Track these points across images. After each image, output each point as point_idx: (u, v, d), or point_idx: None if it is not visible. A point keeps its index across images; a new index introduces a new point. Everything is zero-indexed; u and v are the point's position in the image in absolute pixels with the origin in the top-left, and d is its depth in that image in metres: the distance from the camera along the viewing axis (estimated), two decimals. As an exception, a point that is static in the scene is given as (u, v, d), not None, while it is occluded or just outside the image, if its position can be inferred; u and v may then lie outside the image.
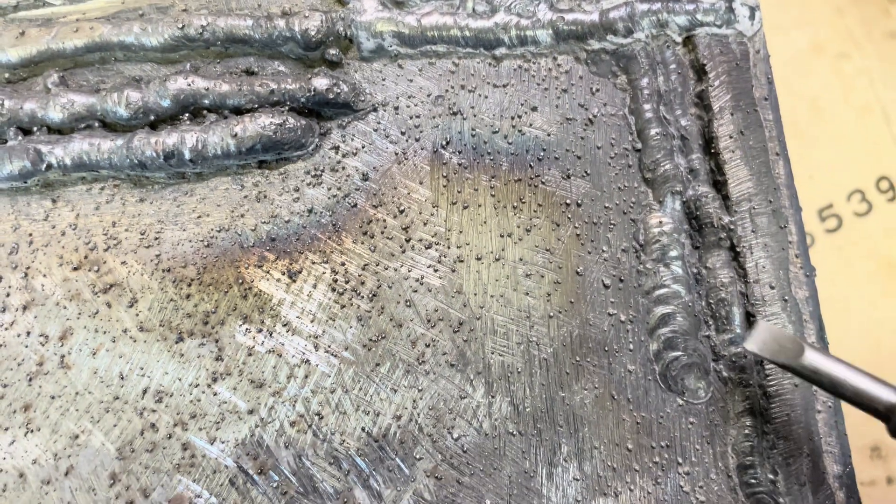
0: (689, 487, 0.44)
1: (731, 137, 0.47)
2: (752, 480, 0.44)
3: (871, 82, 0.73)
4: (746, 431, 0.45)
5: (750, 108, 0.47)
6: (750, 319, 0.45)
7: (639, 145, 0.47)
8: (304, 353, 0.44)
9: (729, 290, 0.46)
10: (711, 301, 0.46)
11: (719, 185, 0.47)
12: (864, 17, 0.74)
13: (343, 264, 0.45)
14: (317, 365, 0.44)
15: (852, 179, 0.71)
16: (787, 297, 0.45)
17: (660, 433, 0.45)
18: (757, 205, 0.46)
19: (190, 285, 0.44)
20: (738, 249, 0.46)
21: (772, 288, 0.45)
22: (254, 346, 0.44)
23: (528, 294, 0.45)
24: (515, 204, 0.46)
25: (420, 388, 0.44)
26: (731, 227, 0.46)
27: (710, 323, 0.46)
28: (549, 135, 0.47)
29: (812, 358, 0.40)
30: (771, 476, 0.44)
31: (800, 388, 0.45)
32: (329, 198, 0.45)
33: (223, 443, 0.43)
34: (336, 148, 0.46)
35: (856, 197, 0.70)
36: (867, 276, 0.69)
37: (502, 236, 0.46)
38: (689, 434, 0.45)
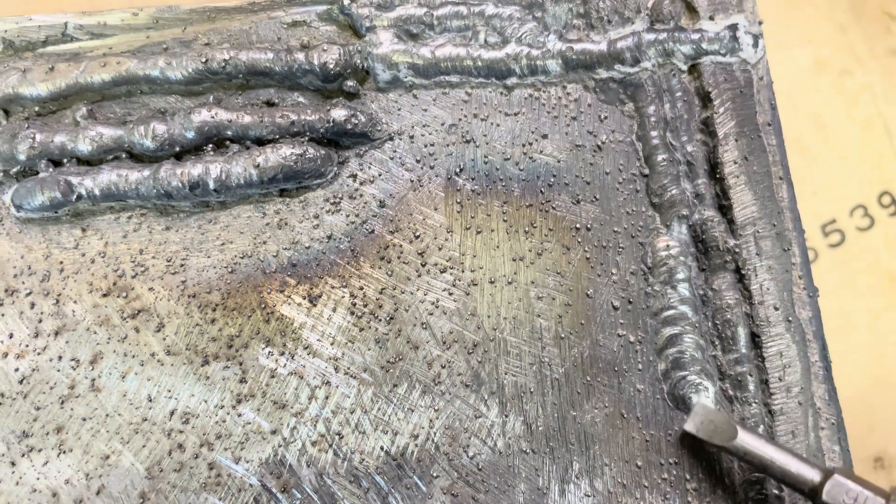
0: (696, 503, 0.46)
1: (735, 163, 0.48)
2: (759, 497, 0.46)
3: (873, 98, 0.75)
4: (752, 448, 0.46)
5: (754, 134, 0.49)
6: (755, 340, 0.47)
7: (646, 171, 0.49)
8: (324, 375, 0.45)
9: (734, 312, 0.47)
10: (717, 322, 0.47)
11: (724, 209, 0.48)
12: (866, 35, 0.76)
13: (361, 288, 0.46)
14: (337, 386, 0.45)
15: (855, 195, 0.72)
16: (790, 318, 0.47)
17: (668, 450, 0.46)
18: (761, 228, 0.48)
19: (215, 310, 0.46)
20: (743, 272, 0.47)
21: (776, 309, 0.47)
22: (276, 369, 0.45)
23: (539, 316, 0.47)
24: (527, 228, 0.48)
25: (436, 408, 0.46)
26: (737, 250, 0.47)
27: (717, 343, 0.47)
28: (559, 161, 0.48)
29: (744, 440, 0.42)
30: (777, 492, 0.46)
31: (803, 406, 0.46)
32: (347, 224, 0.47)
33: (248, 462, 0.44)
34: (354, 176, 0.48)
35: (858, 212, 0.72)
36: (870, 290, 0.70)
37: (514, 260, 0.47)
38: (696, 451, 0.46)
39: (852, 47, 0.75)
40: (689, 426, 0.44)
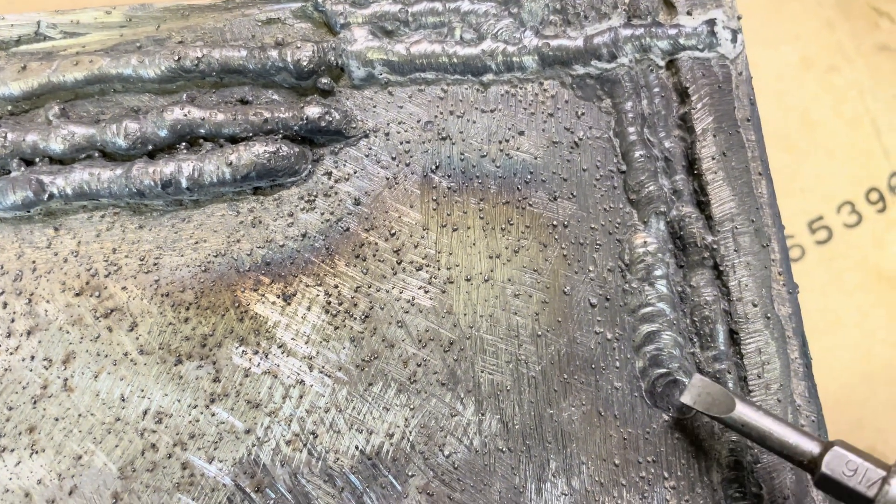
0: (675, 501, 0.45)
1: (713, 159, 0.48)
2: (738, 494, 0.45)
3: (860, 94, 0.74)
4: (731, 446, 0.46)
5: (732, 130, 0.48)
6: (734, 336, 0.47)
7: (624, 167, 0.48)
8: (298, 374, 0.45)
9: (713, 308, 0.47)
10: (695, 319, 0.47)
11: (703, 205, 0.48)
12: (853, 31, 0.75)
13: (336, 287, 0.46)
14: (311, 385, 0.45)
15: (842, 191, 0.72)
16: (769, 315, 0.47)
17: (646, 448, 0.46)
18: (739, 224, 0.47)
19: (188, 309, 0.45)
20: (721, 268, 0.47)
21: (754, 306, 0.47)
22: (250, 368, 0.45)
23: (516, 314, 0.47)
24: (504, 226, 0.47)
25: (412, 406, 0.45)
26: (715, 246, 0.47)
27: (695, 340, 0.47)
28: (535, 158, 0.48)
29: (742, 412, 0.42)
30: (755, 489, 0.45)
31: (782, 403, 0.46)
32: (322, 222, 0.47)
33: (221, 462, 0.44)
34: (329, 174, 0.47)
35: (846, 209, 0.71)
36: (857, 287, 0.70)
37: (491, 257, 0.47)
38: (675, 449, 0.46)
39: (839, 44, 0.75)
40: (686, 398, 0.43)
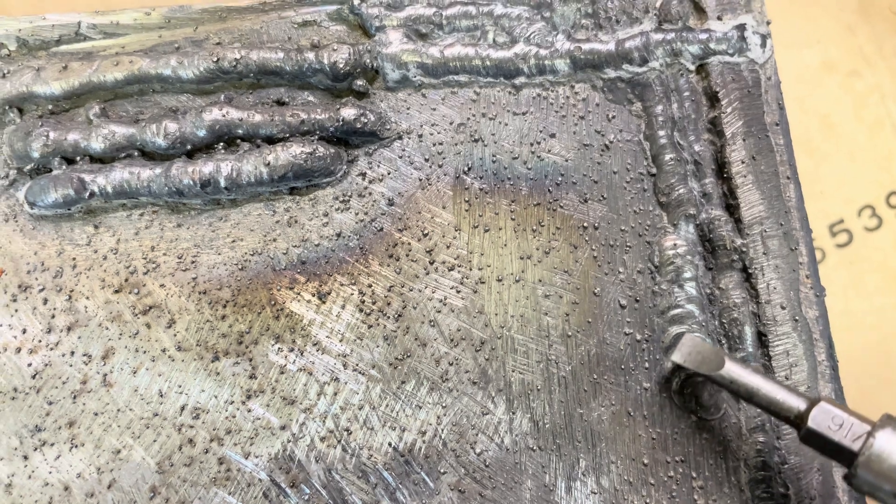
0: (702, 501, 0.46)
1: (742, 162, 0.48)
2: (764, 494, 0.46)
3: (882, 98, 0.75)
4: (758, 447, 0.46)
5: (761, 134, 0.49)
6: (762, 339, 0.47)
7: (653, 170, 0.49)
8: (333, 372, 0.46)
9: (741, 311, 0.47)
10: (724, 321, 0.47)
11: (732, 208, 0.48)
12: (874, 35, 0.76)
13: (370, 286, 0.47)
14: (345, 383, 0.46)
15: (863, 195, 0.72)
16: (797, 318, 0.47)
17: (674, 449, 0.46)
18: (768, 228, 0.48)
19: (225, 307, 0.46)
20: (750, 271, 0.47)
21: (783, 308, 0.47)
22: (286, 365, 0.46)
23: (547, 314, 0.47)
24: (535, 227, 0.48)
25: (444, 404, 0.46)
26: (744, 249, 0.48)
27: (723, 342, 0.48)
28: (566, 160, 0.49)
29: (730, 369, 0.42)
30: (782, 490, 0.46)
31: (810, 405, 0.46)
32: (356, 222, 0.47)
33: (257, 457, 0.45)
34: (363, 174, 0.48)
35: (866, 212, 0.72)
36: (877, 290, 0.70)
37: (522, 258, 0.48)
38: (702, 449, 0.46)
39: (861, 48, 0.75)
40: (677, 357, 0.44)
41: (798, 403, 0.41)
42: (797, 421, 0.41)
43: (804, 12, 0.76)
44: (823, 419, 0.40)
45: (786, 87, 0.75)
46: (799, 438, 0.41)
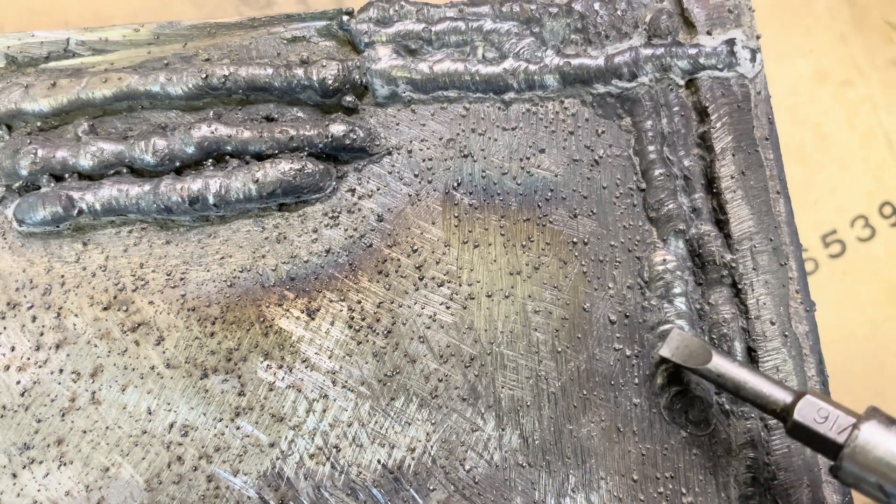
0: (692, 517, 0.46)
1: (732, 178, 0.48)
2: (754, 510, 0.46)
3: (874, 108, 0.75)
4: (748, 463, 0.46)
5: (751, 149, 0.49)
6: (752, 354, 0.47)
7: (643, 185, 0.49)
8: (322, 388, 0.46)
9: (731, 326, 0.47)
10: (714, 336, 0.47)
11: (721, 223, 0.48)
12: (867, 45, 0.76)
13: (359, 302, 0.47)
14: (334, 399, 0.46)
15: (856, 205, 0.72)
16: (787, 333, 0.47)
17: (664, 464, 0.46)
18: (758, 243, 0.48)
19: (214, 323, 0.46)
20: (739, 286, 0.47)
21: (772, 324, 0.47)
22: (274, 382, 0.46)
23: (536, 330, 0.47)
24: (524, 243, 0.48)
25: (433, 421, 0.46)
26: (733, 264, 0.48)
27: (713, 357, 0.47)
28: (556, 175, 0.49)
29: (718, 363, 0.43)
30: (772, 506, 0.46)
31: (800, 420, 0.46)
32: (346, 238, 0.47)
33: (246, 475, 0.45)
34: (352, 190, 0.48)
35: (859, 222, 0.72)
36: (870, 301, 0.70)
37: (511, 274, 0.48)
38: (692, 465, 0.46)
39: (853, 58, 0.75)
40: (665, 351, 0.44)
41: (784, 396, 0.41)
42: (783, 414, 0.41)
43: (797, 23, 0.76)
44: (809, 412, 0.40)
45: (778, 97, 0.75)
46: (785, 431, 0.41)
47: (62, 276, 0.46)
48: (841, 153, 0.73)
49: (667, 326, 0.47)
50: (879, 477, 0.38)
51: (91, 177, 0.46)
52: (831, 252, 0.71)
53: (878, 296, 0.70)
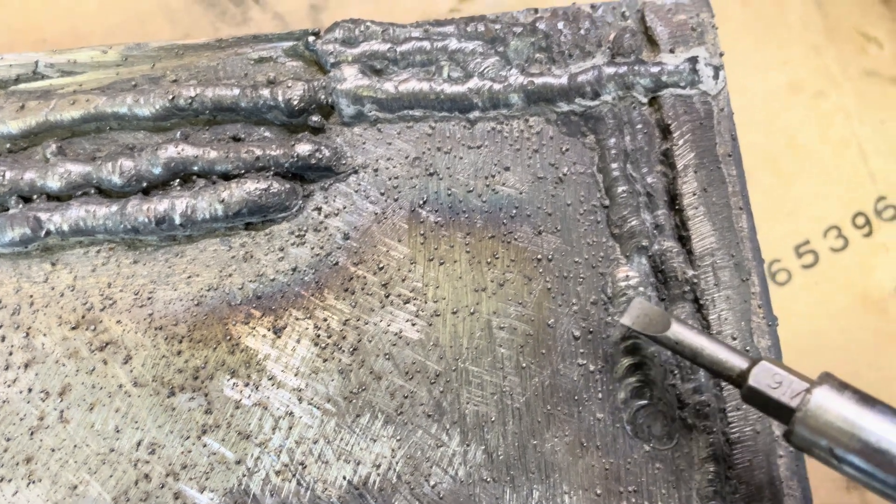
0: (655, 531, 0.46)
1: (694, 194, 0.49)
2: (716, 523, 0.46)
3: (847, 118, 0.75)
4: (710, 476, 0.47)
5: (713, 165, 0.49)
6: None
7: (607, 202, 0.49)
8: (288, 406, 0.46)
9: (693, 341, 0.48)
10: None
11: (684, 239, 0.49)
12: (841, 56, 0.76)
13: (325, 320, 0.47)
14: (300, 417, 0.46)
15: (829, 215, 0.73)
16: (749, 348, 0.48)
17: (627, 478, 0.47)
18: (720, 259, 0.48)
19: (181, 342, 0.47)
20: (701, 302, 0.48)
21: (734, 339, 0.48)
22: (241, 400, 0.46)
23: (501, 346, 0.48)
24: (489, 259, 0.49)
25: (398, 437, 0.46)
26: (695, 280, 0.48)
27: (676, 372, 0.48)
28: (521, 193, 0.49)
29: (676, 331, 0.43)
30: (734, 519, 0.46)
31: (761, 434, 0.47)
32: (312, 256, 0.48)
33: (212, 492, 0.45)
34: (319, 209, 0.49)
35: (832, 233, 0.72)
36: (843, 311, 0.71)
37: (477, 291, 0.48)
38: (655, 479, 0.47)
39: (827, 69, 0.76)
40: (626, 319, 0.45)
41: (740, 363, 0.42)
42: (739, 380, 0.42)
43: (771, 34, 0.77)
44: (764, 377, 0.41)
45: (752, 108, 0.75)
46: (741, 397, 0.42)
47: (31, 296, 0.47)
48: (814, 164, 0.74)
49: (630, 343, 0.48)
50: (830, 441, 0.39)
51: (59, 198, 0.47)
52: (804, 262, 0.72)
53: (850, 306, 0.71)
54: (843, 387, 0.40)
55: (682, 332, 0.43)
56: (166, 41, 0.49)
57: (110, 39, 0.65)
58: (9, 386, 0.46)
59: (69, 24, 0.67)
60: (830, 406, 0.39)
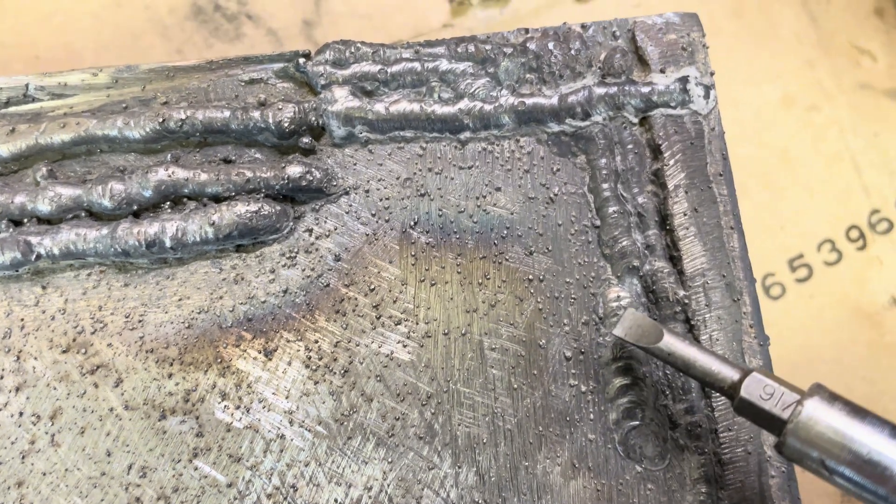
0: (646, 552, 0.46)
1: (685, 215, 0.49)
2: (708, 545, 0.46)
3: (840, 132, 0.75)
4: (702, 497, 0.47)
5: (704, 185, 0.49)
6: (705, 389, 0.48)
7: (598, 222, 0.49)
8: (279, 429, 0.46)
9: (684, 362, 0.48)
10: (668, 372, 0.48)
11: (675, 260, 0.49)
12: (834, 69, 0.76)
13: (316, 342, 0.47)
14: (291, 439, 0.46)
15: (823, 229, 0.73)
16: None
17: (619, 500, 0.47)
18: (711, 279, 0.48)
19: (172, 365, 0.47)
20: (692, 322, 0.48)
21: (725, 359, 0.48)
22: (232, 423, 0.46)
23: (492, 367, 0.48)
24: (481, 280, 0.49)
25: (390, 460, 0.46)
26: (686, 301, 0.48)
27: (668, 392, 0.48)
28: (512, 213, 0.49)
29: (669, 342, 0.43)
30: (726, 540, 0.46)
31: (753, 455, 0.47)
32: (303, 278, 0.48)
33: (204, 515, 0.45)
34: (310, 230, 0.49)
35: (826, 246, 0.72)
36: (837, 325, 0.71)
37: (468, 312, 0.48)
38: (647, 500, 0.47)
39: (820, 82, 0.76)
40: (618, 330, 0.45)
41: (732, 374, 0.42)
42: (731, 391, 0.42)
43: (764, 47, 0.77)
44: (755, 389, 0.41)
45: (745, 122, 0.76)
46: (733, 408, 0.42)
47: (22, 320, 0.47)
48: (807, 177, 0.74)
49: (621, 364, 0.48)
50: (821, 452, 0.39)
51: (50, 221, 0.47)
52: (798, 276, 0.72)
53: (845, 319, 0.71)
54: (833, 398, 0.40)
55: (675, 344, 0.43)
56: (157, 63, 0.49)
57: (103, 56, 0.65)
58: (0, 410, 0.46)
59: (62, 41, 0.67)
60: (821, 417, 0.39)
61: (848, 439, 0.38)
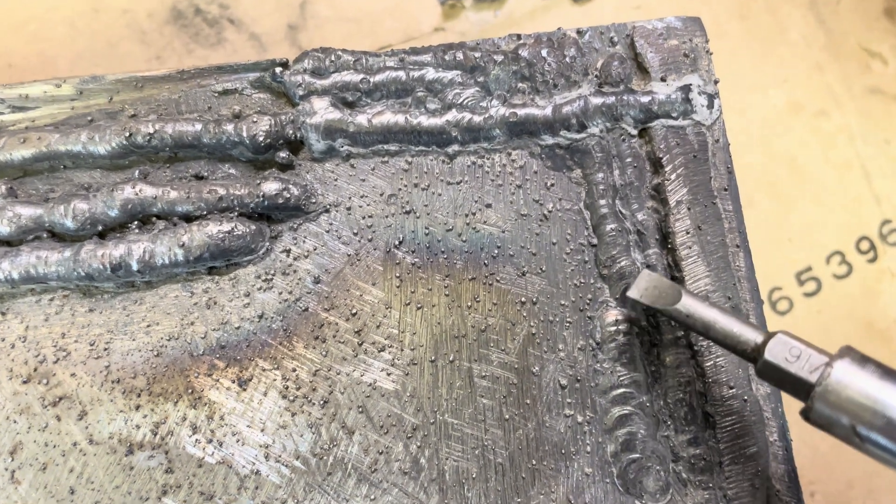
0: None
1: (687, 232, 0.46)
2: (713, 586, 0.43)
3: (850, 139, 0.72)
4: (706, 536, 0.44)
5: (708, 201, 0.46)
6: (709, 419, 0.45)
7: (595, 241, 0.46)
8: (254, 464, 0.43)
9: (687, 390, 0.45)
10: (670, 401, 0.45)
11: (677, 281, 0.46)
12: (844, 73, 0.73)
13: (294, 370, 0.44)
14: (267, 476, 0.43)
15: (832, 240, 0.70)
16: (746, 397, 0.45)
17: (618, 538, 0.44)
18: (715, 301, 0.45)
19: (139, 396, 0.44)
20: (696, 348, 0.45)
21: (731, 388, 0.45)
22: (204, 458, 0.43)
23: (482, 396, 0.45)
24: (470, 303, 0.46)
25: (372, 497, 0.43)
26: (689, 325, 0.45)
27: (669, 422, 0.45)
28: (503, 231, 0.46)
29: (687, 303, 0.41)
30: (732, 581, 0.43)
31: (760, 489, 0.44)
32: (280, 302, 0.45)
33: (173, 558, 0.42)
34: (287, 251, 0.46)
35: (835, 259, 0.69)
36: (846, 340, 0.67)
37: (457, 337, 0.45)
38: (647, 539, 0.44)
39: (829, 87, 0.73)
40: (633, 293, 0.43)
41: (755, 336, 0.39)
42: (754, 354, 0.39)
43: (771, 52, 0.74)
44: (780, 350, 0.38)
45: (752, 129, 0.72)
46: (755, 373, 0.39)
47: (-21, 348, 0.44)
48: (816, 187, 0.71)
49: (620, 392, 0.45)
50: (852, 418, 0.36)
51: (9, 242, 0.44)
52: (806, 290, 0.69)
53: (855, 334, 0.68)
54: (865, 360, 0.37)
55: (694, 305, 0.41)
56: (124, 73, 0.46)
57: (79, 64, 0.62)
58: (-45, 445, 0.43)
59: (36, 49, 0.64)
60: (852, 381, 0.36)
61: (881, 404, 0.35)
